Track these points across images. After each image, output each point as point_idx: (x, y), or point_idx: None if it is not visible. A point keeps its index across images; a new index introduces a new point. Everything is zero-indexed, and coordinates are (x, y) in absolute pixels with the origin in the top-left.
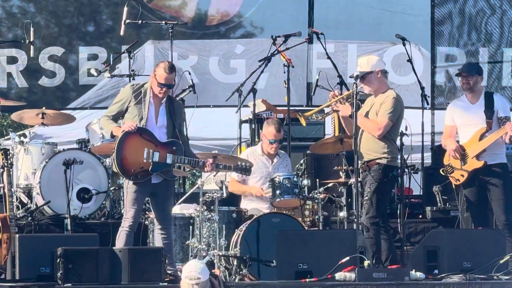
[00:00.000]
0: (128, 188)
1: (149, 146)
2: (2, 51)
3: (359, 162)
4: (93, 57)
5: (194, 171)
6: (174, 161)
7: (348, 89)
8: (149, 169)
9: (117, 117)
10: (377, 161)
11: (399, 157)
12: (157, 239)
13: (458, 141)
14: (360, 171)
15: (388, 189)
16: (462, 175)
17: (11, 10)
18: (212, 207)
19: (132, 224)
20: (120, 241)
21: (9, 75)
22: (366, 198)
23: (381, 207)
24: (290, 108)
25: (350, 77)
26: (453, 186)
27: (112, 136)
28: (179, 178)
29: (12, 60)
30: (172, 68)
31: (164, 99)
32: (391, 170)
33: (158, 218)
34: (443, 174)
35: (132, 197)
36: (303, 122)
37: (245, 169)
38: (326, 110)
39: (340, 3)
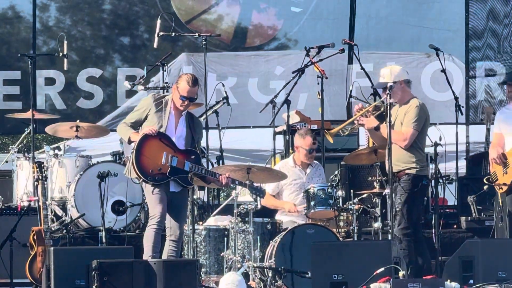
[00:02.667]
0: (149, 190)
1: (168, 150)
2: (40, 72)
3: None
4: (131, 78)
5: None
6: (192, 169)
7: (382, 101)
8: (167, 172)
9: (136, 125)
10: (406, 171)
11: (432, 166)
12: (166, 249)
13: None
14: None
15: (418, 199)
16: (505, 183)
17: (48, 22)
18: (246, 219)
19: (160, 221)
20: (148, 239)
21: (47, 96)
22: (397, 209)
23: (412, 218)
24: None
25: (371, 87)
26: (498, 194)
27: (130, 142)
28: (213, 190)
29: (50, 81)
30: (195, 82)
31: (185, 113)
32: (420, 179)
33: (171, 228)
34: (488, 182)
35: (155, 197)
36: (330, 139)
37: (259, 190)
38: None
39: (381, 23)
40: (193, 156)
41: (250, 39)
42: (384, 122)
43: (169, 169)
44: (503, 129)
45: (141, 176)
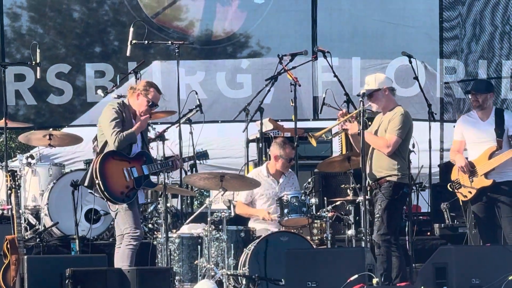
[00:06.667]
0: (125, 209)
1: (125, 164)
2: (10, 68)
3: (370, 181)
4: (100, 74)
5: (202, 191)
6: (150, 170)
7: (355, 107)
8: (134, 185)
9: None
10: (388, 178)
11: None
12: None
13: (467, 157)
14: (368, 189)
15: (399, 206)
16: (470, 192)
17: (20, 31)
18: (220, 227)
19: (139, 242)
20: (124, 259)
21: (17, 92)
22: (377, 215)
23: (392, 224)
24: (299, 127)
25: (357, 95)
26: (460, 202)
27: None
28: (186, 198)
29: (19, 77)
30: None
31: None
32: (401, 187)
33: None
34: (451, 189)
35: (134, 215)
36: (313, 142)
37: (203, 154)
38: (335, 129)
39: (343, 17)
40: (145, 158)
41: (216, 32)
42: (368, 128)
43: (134, 182)
44: (468, 138)
45: (116, 202)
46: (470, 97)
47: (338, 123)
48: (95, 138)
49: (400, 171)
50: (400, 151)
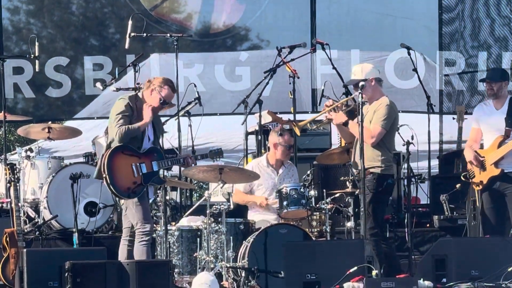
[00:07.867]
0: (136, 204)
1: (134, 160)
2: (8, 61)
3: (354, 171)
4: (99, 67)
5: (201, 183)
6: (160, 167)
7: (353, 98)
8: (142, 181)
9: None
10: (371, 170)
11: (405, 166)
12: (123, 250)
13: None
14: (356, 180)
15: (384, 198)
16: (482, 181)
17: (18, 24)
18: (219, 219)
19: (151, 237)
20: (144, 256)
21: (16, 85)
22: (363, 209)
23: (378, 217)
24: (290, 118)
25: (343, 86)
26: (476, 192)
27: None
28: (186, 191)
29: (18, 70)
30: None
31: None
32: (385, 178)
33: (132, 230)
34: (465, 179)
35: (143, 210)
36: (297, 131)
37: (217, 152)
38: (321, 118)
39: (342, 9)
40: (156, 153)
41: (214, 24)
42: (355, 119)
43: (142, 178)
44: (482, 126)
45: (122, 197)
46: (485, 85)
47: (323, 112)
48: (106, 131)
49: (384, 163)
50: (385, 142)
